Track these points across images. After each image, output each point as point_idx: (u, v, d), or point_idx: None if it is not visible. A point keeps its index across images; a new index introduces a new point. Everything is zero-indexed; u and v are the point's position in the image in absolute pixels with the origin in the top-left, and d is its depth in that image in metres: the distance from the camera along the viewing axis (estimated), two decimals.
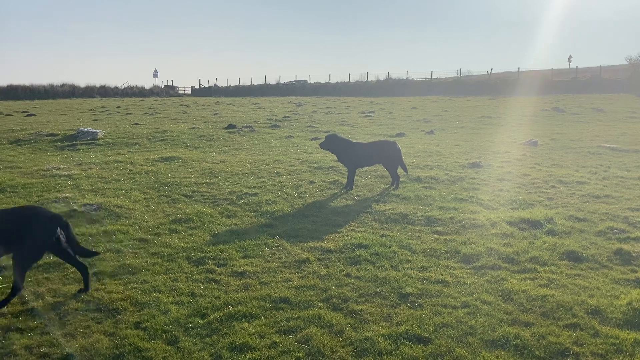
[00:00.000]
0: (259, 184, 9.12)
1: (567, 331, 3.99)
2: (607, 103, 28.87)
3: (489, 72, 56.36)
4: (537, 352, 3.73)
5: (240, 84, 69.65)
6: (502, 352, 3.73)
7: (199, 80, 70.67)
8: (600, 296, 4.56)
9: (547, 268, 5.24)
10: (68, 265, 5.51)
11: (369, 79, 59.74)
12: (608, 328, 4.03)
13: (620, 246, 5.74)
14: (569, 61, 58.29)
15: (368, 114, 25.01)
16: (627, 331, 3.97)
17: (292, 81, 66.09)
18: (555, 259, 5.47)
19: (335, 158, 11.48)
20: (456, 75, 57.67)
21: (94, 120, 22.82)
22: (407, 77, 57.41)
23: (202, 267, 5.45)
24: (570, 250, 5.64)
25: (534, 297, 4.55)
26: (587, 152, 12.50)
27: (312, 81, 64.47)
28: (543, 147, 13.43)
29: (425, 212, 7.25)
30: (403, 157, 9.09)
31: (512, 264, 5.39)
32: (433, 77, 56.98)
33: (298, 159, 11.58)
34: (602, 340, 3.85)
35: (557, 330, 4.01)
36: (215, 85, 71.35)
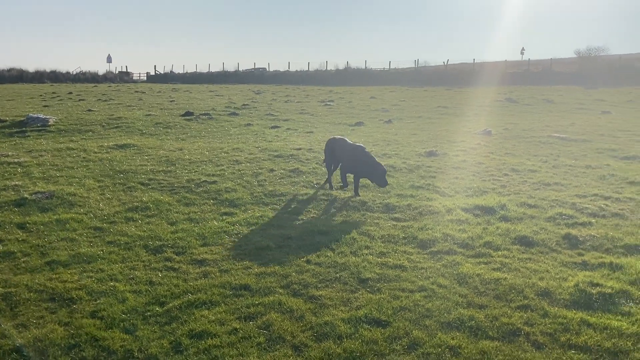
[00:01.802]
0: (218, 172, 9.03)
1: (519, 312, 4.16)
2: (557, 95, 29.89)
3: (445, 63, 57.31)
4: (490, 333, 3.87)
5: (198, 70, 68.37)
6: (457, 334, 3.85)
7: (155, 66, 68.89)
8: (550, 279, 4.76)
9: (500, 252, 5.43)
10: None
11: (329, 68, 59.78)
12: (556, 309, 4.21)
13: (569, 231, 6.00)
14: (522, 53, 59.91)
15: (327, 103, 25.06)
16: (574, 311, 4.17)
17: (251, 69, 65.37)
18: (508, 244, 5.67)
19: (298, 146, 11.52)
20: (414, 66, 58.40)
21: (45, 106, 21.96)
22: (366, 67, 57.69)
23: (160, 255, 5.38)
24: (521, 236, 5.85)
25: (488, 281, 4.71)
26: (538, 142, 12.94)
27: (271, 69, 64.04)
28: (497, 137, 13.81)
29: (383, 200, 7.36)
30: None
31: (466, 248, 5.56)
32: (391, 68, 57.55)
33: (258, 147, 11.51)
34: (551, 320, 4.03)
35: (509, 311, 4.17)
36: (171, 71, 69.74)
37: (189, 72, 68.57)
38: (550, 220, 6.46)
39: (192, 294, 4.46)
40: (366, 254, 5.39)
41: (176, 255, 5.39)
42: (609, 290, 4.43)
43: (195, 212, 6.80)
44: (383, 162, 9.83)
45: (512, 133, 14.48)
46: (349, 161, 7.66)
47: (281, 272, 4.93)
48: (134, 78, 67.04)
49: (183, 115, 17.97)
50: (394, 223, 6.46)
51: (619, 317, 4.05)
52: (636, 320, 3.99)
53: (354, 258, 5.27)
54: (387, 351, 3.63)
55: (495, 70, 48.40)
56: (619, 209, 6.87)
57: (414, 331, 3.87)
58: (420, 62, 59.22)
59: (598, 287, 4.49)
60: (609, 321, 3.97)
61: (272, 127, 15.62)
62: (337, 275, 4.88)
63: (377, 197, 7.49)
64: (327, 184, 8.22)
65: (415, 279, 4.78)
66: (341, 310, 4.21)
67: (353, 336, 3.81)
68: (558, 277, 4.81)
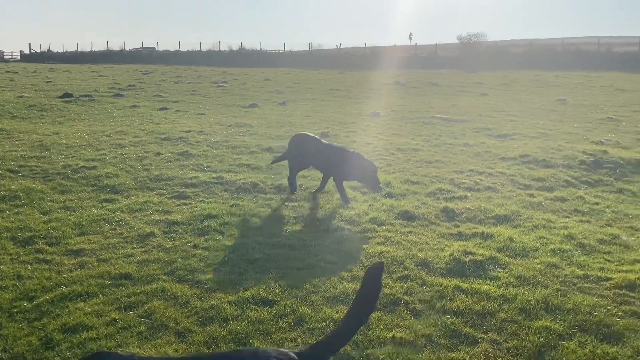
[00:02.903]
0: (99, 157, 8.48)
1: (400, 283, 4.36)
2: (442, 78, 31.61)
3: (339, 47, 58.30)
4: None
5: (79, 49, 63.73)
6: (342, 307, 3.95)
7: (29, 44, 63.58)
8: (428, 250, 5.04)
9: (384, 227, 5.65)
10: None
11: (222, 49, 58.40)
12: (433, 277, 4.47)
13: (447, 205, 6.38)
14: (410, 38, 62.45)
15: (221, 84, 24.49)
16: (449, 279, 4.44)
17: (139, 48, 62.07)
18: (392, 219, 5.91)
19: (188, 129, 11.12)
20: (308, 49, 58.78)
21: None
22: (260, 49, 57.15)
23: (30, 247, 4.96)
24: (404, 210, 6.13)
25: (372, 254, 4.89)
26: (422, 122, 13.59)
27: (160, 49, 61.28)
28: (385, 118, 14.32)
29: (275, 181, 7.35)
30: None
31: (353, 225, 5.72)
32: (286, 50, 57.48)
33: (143, 130, 10.97)
34: (428, 289, 4.27)
35: (391, 282, 4.35)
36: (49, 50, 64.32)
37: (69, 50, 63.71)
38: (430, 196, 6.83)
39: (66, 287, 4.16)
40: (256, 235, 5.35)
41: (49, 246, 4.99)
42: (480, 258, 4.77)
43: (71, 200, 6.34)
44: (276, 144, 9.82)
45: (399, 114, 15.08)
46: (329, 163, 6.62)
47: (166, 259, 4.75)
48: (5, 57, 61.21)
49: (61, 97, 16.64)
50: (286, 204, 6.48)
51: (488, 282, 4.38)
52: (502, 283, 4.35)
53: (243, 240, 5.22)
54: (273, 329, 3.64)
55: (385, 55, 50.06)
56: (492, 183, 7.43)
57: (300, 308, 3.91)
58: (314, 46, 59.78)
59: (471, 255, 4.82)
60: (479, 286, 4.28)
61: (161, 109, 14.97)
62: (226, 258, 4.80)
63: (269, 179, 7.47)
64: (290, 186, 6.89)
65: (304, 257, 4.83)
66: (228, 293, 4.15)
67: (239, 318, 3.77)
68: (436, 247, 5.10)
